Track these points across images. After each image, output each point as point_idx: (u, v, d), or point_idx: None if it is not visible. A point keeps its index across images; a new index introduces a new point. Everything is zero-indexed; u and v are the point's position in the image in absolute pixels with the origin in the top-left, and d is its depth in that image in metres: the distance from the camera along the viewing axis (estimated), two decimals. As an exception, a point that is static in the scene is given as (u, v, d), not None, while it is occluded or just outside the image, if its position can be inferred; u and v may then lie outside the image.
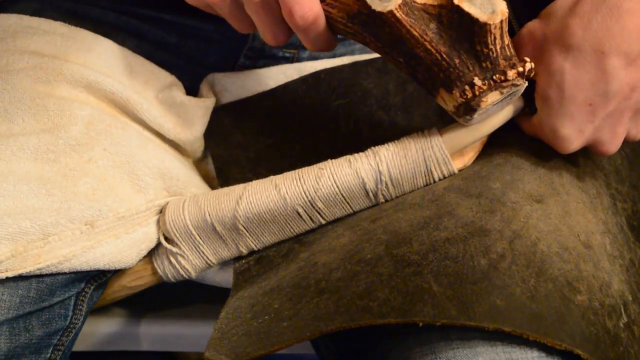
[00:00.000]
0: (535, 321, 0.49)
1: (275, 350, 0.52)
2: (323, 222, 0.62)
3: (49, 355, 0.60)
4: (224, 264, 0.65)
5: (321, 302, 0.52)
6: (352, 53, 0.74)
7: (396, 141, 0.61)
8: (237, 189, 0.62)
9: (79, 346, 0.73)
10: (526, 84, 0.54)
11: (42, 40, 0.65)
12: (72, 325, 0.62)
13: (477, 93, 0.52)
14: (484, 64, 0.52)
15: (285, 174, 0.62)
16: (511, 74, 0.52)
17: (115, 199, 0.61)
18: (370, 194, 0.60)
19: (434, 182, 0.60)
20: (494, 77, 0.52)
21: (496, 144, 0.62)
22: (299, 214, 0.61)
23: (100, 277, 0.63)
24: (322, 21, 0.54)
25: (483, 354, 0.50)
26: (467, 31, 0.50)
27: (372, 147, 0.61)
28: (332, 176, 0.60)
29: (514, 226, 0.54)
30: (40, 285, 0.59)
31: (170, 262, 0.63)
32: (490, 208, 0.55)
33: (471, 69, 0.52)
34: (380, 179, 0.60)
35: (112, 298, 0.67)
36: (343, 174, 0.60)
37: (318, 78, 0.67)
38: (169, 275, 0.64)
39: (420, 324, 0.48)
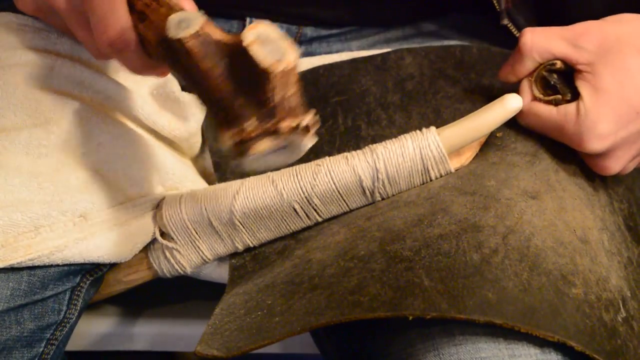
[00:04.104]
0: (527, 314, 0.49)
1: (265, 345, 0.52)
2: (319, 219, 0.62)
3: (41, 350, 0.60)
4: (219, 259, 0.65)
5: (313, 298, 0.53)
6: (349, 49, 0.74)
7: (394, 139, 0.61)
8: (234, 184, 0.62)
9: (78, 346, 0.73)
10: (309, 137, 0.50)
11: (35, 37, 0.65)
12: (66, 320, 0.62)
13: (247, 137, 0.49)
14: (263, 110, 0.49)
15: (282, 170, 0.62)
16: (284, 126, 0.49)
17: (109, 192, 0.61)
18: (367, 191, 0.60)
19: (431, 180, 0.60)
20: (268, 126, 0.49)
21: (493, 143, 0.62)
22: (295, 210, 0.61)
23: (95, 272, 0.63)
24: (132, 47, 0.52)
25: (485, 349, 0.50)
26: (252, 74, 0.48)
27: (370, 145, 0.61)
28: (329, 173, 0.60)
29: (507, 222, 0.54)
30: (32, 278, 0.58)
31: (166, 256, 0.63)
32: (484, 205, 0.55)
33: (250, 112, 0.49)
34: (377, 177, 0.60)
35: (108, 292, 0.66)
36: (340, 171, 0.60)
37: (317, 74, 0.67)
38: (164, 270, 0.64)
39: (410, 318, 0.48)
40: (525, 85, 0.62)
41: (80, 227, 0.59)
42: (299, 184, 0.60)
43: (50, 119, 0.61)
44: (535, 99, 0.62)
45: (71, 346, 0.70)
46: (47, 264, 0.58)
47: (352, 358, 0.59)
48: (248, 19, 0.72)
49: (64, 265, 0.60)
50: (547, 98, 0.61)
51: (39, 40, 0.65)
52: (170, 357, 1.05)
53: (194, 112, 0.67)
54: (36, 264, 0.58)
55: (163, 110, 0.66)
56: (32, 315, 0.59)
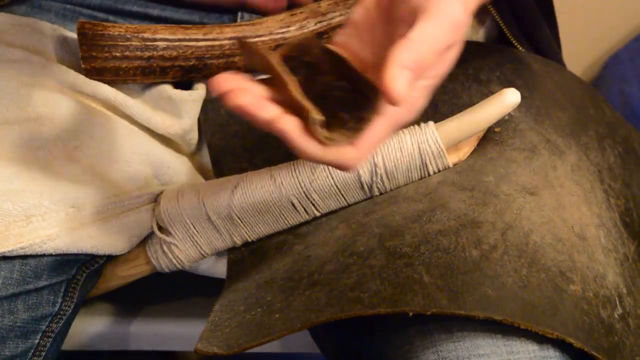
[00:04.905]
0: (526, 310, 0.49)
1: (266, 342, 0.52)
2: (317, 214, 0.62)
3: (37, 341, 0.60)
4: (218, 254, 0.65)
5: (313, 294, 0.53)
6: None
7: (392, 134, 0.61)
8: (232, 179, 0.62)
9: (78, 345, 0.73)
10: None
11: (30, 37, 0.66)
12: (61, 312, 0.62)
13: None
14: None
15: (281, 164, 0.62)
16: None
17: (103, 184, 0.61)
18: (365, 186, 0.60)
19: (429, 175, 0.60)
20: None
21: (491, 138, 0.62)
22: (293, 205, 0.61)
23: (92, 264, 0.63)
24: None
25: (484, 346, 0.51)
26: None
27: (368, 140, 0.61)
28: (327, 168, 0.60)
29: (506, 218, 0.54)
30: (24, 268, 0.59)
31: (164, 251, 0.63)
32: (483, 200, 0.55)
33: None
34: (376, 172, 0.60)
35: (106, 287, 0.67)
36: (338, 166, 0.60)
37: (315, 69, 0.67)
38: (162, 265, 0.64)
39: (410, 314, 0.49)
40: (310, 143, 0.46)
41: (73, 217, 0.59)
42: (297, 179, 0.60)
43: (43, 114, 0.62)
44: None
45: (70, 345, 0.70)
46: (39, 253, 0.59)
47: (352, 356, 0.60)
48: (240, 14, 0.72)
49: (57, 255, 0.60)
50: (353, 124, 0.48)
51: (32, 41, 0.66)
52: (170, 356, 1.05)
53: (187, 109, 0.67)
54: (28, 253, 0.58)
55: (156, 109, 0.67)
56: (26, 306, 0.59)
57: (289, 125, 0.45)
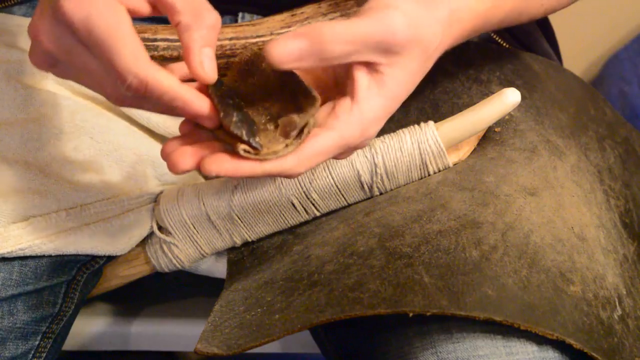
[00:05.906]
0: (527, 311, 0.49)
1: (266, 342, 0.52)
2: (317, 214, 0.62)
3: (37, 342, 0.60)
4: (217, 254, 0.65)
5: (313, 295, 0.53)
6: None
7: (392, 134, 0.61)
8: (232, 178, 0.62)
9: (78, 345, 0.73)
10: None
11: (27, 39, 0.66)
12: (62, 314, 0.62)
13: None
14: None
15: (281, 164, 0.62)
16: None
17: (104, 184, 0.61)
18: (365, 186, 0.61)
19: (429, 175, 0.61)
20: None
21: (491, 138, 0.62)
22: (293, 205, 0.61)
23: (92, 265, 0.63)
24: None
25: (483, 347, 0.51)
26: None
27: (368, 140, 0.61)
28: (328, 167, 0.60)
29: (506, 218, 0.54)
30: (24, 269, 0.59)
31: (164, 251, 0.63)
32: (483, 201, 0.55)
33: None
34: (376, 172, 0.60)
35: (106, 287, 0.67)
36: (338, 165, 0.60)
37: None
38: (162, 265, 0.64)
39: (410, 315, 0.49)
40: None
41: (73, 217, 0.59)
42: (297, 179, 0.60)
43: (43, 114, 0.62)
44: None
45: (71, 346, 0.70)
46: (38, 254, 0.59)
47: (351, 356, 0.60)
48: (240, 14, 0.72)
49: (56, 255, 0.60)
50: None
51: (29, 42, 0.66)
52: (170, 356, 1.05)
53: None
54: (27, 254, 0.58)
55: None
56: (26, 307, 0.59)
57: (215, 165, 0.48)
